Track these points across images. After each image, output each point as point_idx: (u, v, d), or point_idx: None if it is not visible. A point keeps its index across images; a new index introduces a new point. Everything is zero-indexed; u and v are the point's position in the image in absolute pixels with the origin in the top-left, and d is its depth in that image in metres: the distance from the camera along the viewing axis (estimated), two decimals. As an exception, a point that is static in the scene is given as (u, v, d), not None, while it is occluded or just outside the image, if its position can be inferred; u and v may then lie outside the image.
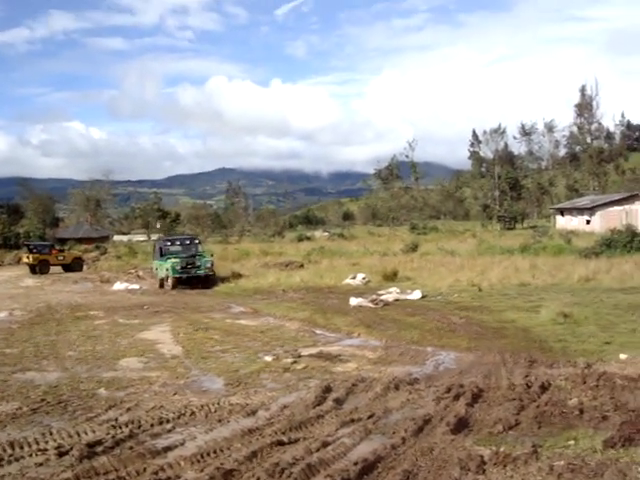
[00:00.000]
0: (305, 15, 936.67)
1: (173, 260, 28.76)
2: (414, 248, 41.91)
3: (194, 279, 28.98)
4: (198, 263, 29.21)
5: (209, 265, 29.47)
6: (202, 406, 9.34)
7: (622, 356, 11.49)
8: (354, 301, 20.44)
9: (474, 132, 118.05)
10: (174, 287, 28.38)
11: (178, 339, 15.41)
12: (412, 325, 16.39)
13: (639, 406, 8.28)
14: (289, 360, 12.54)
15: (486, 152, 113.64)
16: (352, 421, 8.34)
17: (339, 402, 9.23)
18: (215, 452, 7.36)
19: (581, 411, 8.30)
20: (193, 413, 9.06)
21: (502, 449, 7.00)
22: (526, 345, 13.37)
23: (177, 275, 28.51)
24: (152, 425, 8.55)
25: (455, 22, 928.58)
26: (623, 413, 8.05)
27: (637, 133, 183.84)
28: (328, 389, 9.89)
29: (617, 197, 68.12)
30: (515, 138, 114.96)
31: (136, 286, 29.74)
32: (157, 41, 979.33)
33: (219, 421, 8.67)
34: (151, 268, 34.61)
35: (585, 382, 9.54)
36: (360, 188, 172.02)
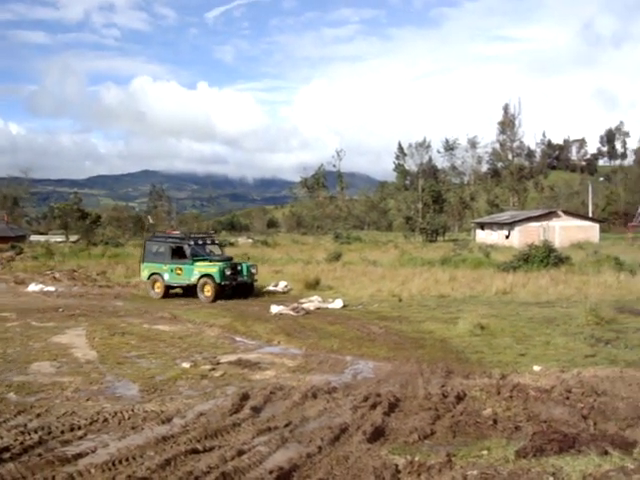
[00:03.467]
0: (236, 20, 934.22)
1: (220, 264, 24.46)
2: (337, 257, 42.08)
3: (238, 287, 24.91)
4: (240, 268, 25.23)
5: (253, 270, 25.83)
6: (115, 413, 9.10)
7: (536, 368, 11.75)
8: (275, 309, 20.36)
9: (399, 145, 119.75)
10: (215, 298, 23.92)
11: (93, 344, 15.03)
12: (332, 334, 16.42)
13: (551, 417, 8.45)
14: (207, 367, 12.39)
15: (411, 165, 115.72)
16: (269, 429, 8.26)
17: (256, 410, 9.15)
18: (127, 460, 7.17)
19: (495, 421, 8.43)
20: (106, 420, 8.82)
21: (417, 458, 7.03)
22: (443, 356, 13.55)
23: (226, 282, 24.23)
24: (63, 432, 8.29)
25: (385, 35, 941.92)
26: (535, 424, 8.21)
27: (557, 152, 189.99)
28: (245, 397, 9.80)
29: (536, 213, 70.00)
30: (439, 152, 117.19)
31: (52, 288, 28.86)
32: (81, 38, 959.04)
33: (133, 428, 8.46)
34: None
35: (499, 393, 9.71)
36: (285, 196, 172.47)
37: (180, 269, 25.19)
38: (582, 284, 25.38)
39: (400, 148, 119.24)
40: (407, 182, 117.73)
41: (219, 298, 23.96)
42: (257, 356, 13.76)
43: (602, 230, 72.64)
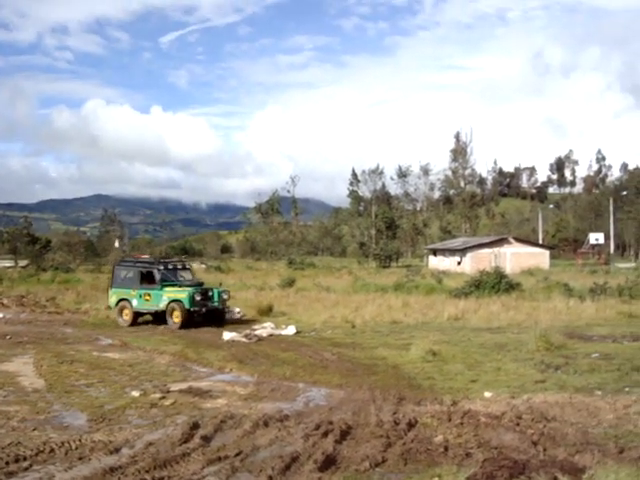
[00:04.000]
0: (190, 45, 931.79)
1: (189, 289, 23.62)
2: (291, 283, 42.05)
3: (209, 313, 24.14)
4: (211, 293, 24.36)
5: (226, 297, 24.96)
6: (62, 443, 8.88)
7: (487, 394, 11.83)
8: (227, 335, 20.22)
9: (353, 171, 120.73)
10: (184, 325, 23.04)
11: (41, 372, 14.71)
12: (285, 361, 16.35)
13: (501, 443, 8.50)
14: (157, 395, 12.20)
15: (364, 191, 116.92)
16: (219, 459, 8.15)
17: (206, 439, 9.02)
18: (73, 492, 7.02)
19: (446, 448, 8.44)
20: (52, 450, 8.60)
21: (368, 487, 7.01)
22: (396, 382, 13.57)
23: (196, 308, 23.43)
24: (7, 462, 8.06)
25: (339, 62, 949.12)
26: (486, 450, 8.24)
27: (507, 179, 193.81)
28: (196, 426, 9.66)
29: (487, 240, 71.10)
30: (392, 179, 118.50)
31: (-1, 315, 28.27)
32: (33, 60, 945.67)
33: (80, 459, 8.27)
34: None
35: (450, 419, 9.74)
36: (239, 221, 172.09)
37: (149, 295, 24.28)
38: (532, 310, 25.77)
39: (354, 174, 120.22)
40: (361, 208, 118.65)
41: (189, 325, 23.16)
42: (208, 384, 13.60)
43: (552, 256, 73.99)
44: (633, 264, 76.04)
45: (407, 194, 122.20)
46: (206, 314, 24.05)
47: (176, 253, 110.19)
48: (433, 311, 26.33)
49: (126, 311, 24.96)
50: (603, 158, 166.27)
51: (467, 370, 14.67)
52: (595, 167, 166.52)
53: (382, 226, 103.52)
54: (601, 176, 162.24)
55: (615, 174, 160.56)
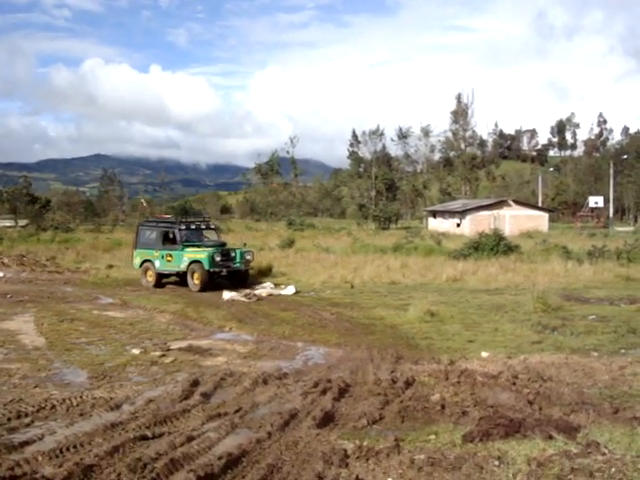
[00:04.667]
0: (190, 3, 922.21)
1: (209, 249, 22.87)
2: (290, 244, 41.99)
3: (230, 275, 23.48)
4: (233, 254, 23.63)
5: (249, 257, 24.10)
6: (63, 399, 9.00)
7: (483, 354, 11.94)
8: (227, 295, 20.32)
9: (354, 132, 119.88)
10: (203, 287, 22.47)
11: (42, 330, 14.81)
12: (284, 320, 16.46)
13: (497, 402, 8.60)
14: (157, 353, 12.31)
15: (364, 152, 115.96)
16: (218, 415, 8.27)
17: (206, 396, 9.14)
18: (75, 447, 7.10)
19: (442, 406, 8.55)
20: (54, 407, 8.72)
21: (365, 443, 7.11)
22: (393, 342, 13.68)
23: (216, 269, 22.77)
24: (9, 419, 8.18)
25: (340, 22, 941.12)
26: (482, 409, 8.34)
27: (508, 142, 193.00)
28: (196, 383, 9.78)
29: (487, 202, 70.92)
30: (393, 140, 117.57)
31: (0, 274, 28.33)
32: (31, 18, 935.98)
33: (81, 415, 8.39)
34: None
35: (447, 378, 9.84)
36: (239, 182, 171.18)
37: (170, 255, 23.60)
38: (530, 272, 25.83)
39: (354, 135, 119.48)
40: (361, 169, 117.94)
41: (209, 286, 22.54)
42: (208, 342, 13.71)
43: (551, 219, 74.07)
44: (632, 228, 76.12)
45: (407, 156, 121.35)
46: (229, 275, 23.54)
47: (176, 214, 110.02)
48: (432, 272, 26.39)
49: (149, 272, 24.42)
50: (604, 121, 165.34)
51: (465, 330, 14.78)
52: (596, 130, 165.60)
53: (382, 187, 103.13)
54: (602, 139, 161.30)
55: (616, 138, 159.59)
